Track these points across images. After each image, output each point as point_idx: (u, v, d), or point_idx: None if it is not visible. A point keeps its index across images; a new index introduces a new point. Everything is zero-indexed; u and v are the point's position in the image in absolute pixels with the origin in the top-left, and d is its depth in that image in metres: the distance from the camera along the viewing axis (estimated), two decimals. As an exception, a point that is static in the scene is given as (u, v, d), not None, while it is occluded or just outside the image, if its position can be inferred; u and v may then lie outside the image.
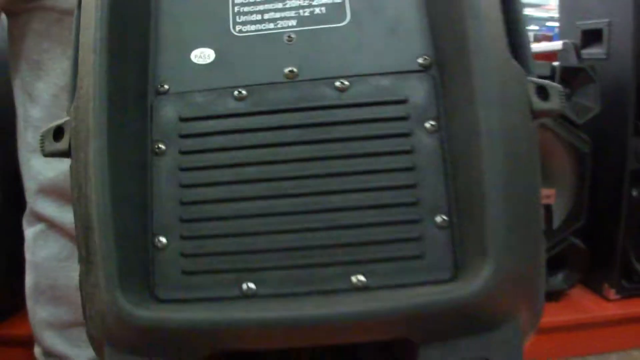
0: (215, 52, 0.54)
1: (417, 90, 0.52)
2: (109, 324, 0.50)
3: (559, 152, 1.97)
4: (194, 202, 0.52)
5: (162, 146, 0.52)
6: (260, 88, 0.53)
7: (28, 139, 1.30)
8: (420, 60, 0.53)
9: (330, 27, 0.55)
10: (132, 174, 0.52)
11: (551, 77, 1.87)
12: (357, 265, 0.50)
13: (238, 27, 0.55)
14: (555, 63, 1.93)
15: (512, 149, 0.51)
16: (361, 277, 0.50)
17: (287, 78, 0.53)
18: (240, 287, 0.50)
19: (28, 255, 1.38)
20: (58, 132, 0.61)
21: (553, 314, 2.05)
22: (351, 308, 0.47)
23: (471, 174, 0.50)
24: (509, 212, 0.49)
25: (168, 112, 0.53)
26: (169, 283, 0.51)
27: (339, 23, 0.55)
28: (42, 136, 0.62)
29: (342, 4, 0.55)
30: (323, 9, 0.56)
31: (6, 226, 1.71)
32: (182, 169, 0.52)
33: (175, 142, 0.52)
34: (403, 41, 0.54)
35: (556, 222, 1.97)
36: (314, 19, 0.55)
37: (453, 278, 0.50)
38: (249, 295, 0.50)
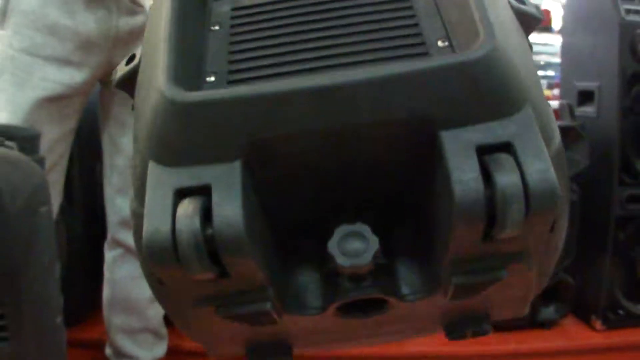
0: None
1: None
2: (157, 121, 0.53)
3: (551, 200, 2.20)
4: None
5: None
6: None
7: (113, 181, 1.65)
8: None
9: None
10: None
11: (544, 136, 2.14)
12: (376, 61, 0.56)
13: None
14: (549, 122, 2.18)
15: (500, 11, 0.58)
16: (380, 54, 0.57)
17: None
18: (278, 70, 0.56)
19: (107, 274, 1.73)
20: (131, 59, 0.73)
21: (544, 341, 2.26)
22: (374, 73, 0.50)
23: (460, 9, 0.56)
24: (497, 19, 0.54)
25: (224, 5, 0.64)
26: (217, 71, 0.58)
27: None
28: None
29: None
30: None
31: (86, 249, 2.05)
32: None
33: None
34: None
35: (548, 260, 2.22)
36: None
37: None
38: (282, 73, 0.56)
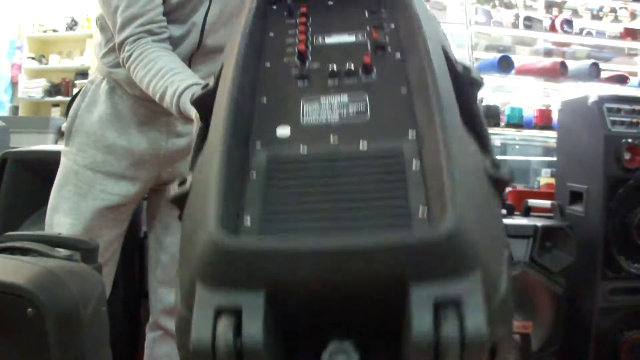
0: (291, 130, 0.90)
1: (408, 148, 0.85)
2: (205, 254, 0.68)
3: (539, 292, 2.43)
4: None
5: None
6: (316, 146, 0.87)
7: (158, 274, 1.91)
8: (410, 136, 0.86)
9: (358, 121, 0.89)
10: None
11: (534, 236, 2.39)
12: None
13: (304, 120, 0.90)
14: (540, 224, 2.42)
15: (470, 179, 0.75)
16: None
17: (334, 142, 0.87)
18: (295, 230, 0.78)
19: (147, 351, 1.97)
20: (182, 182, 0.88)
21: (533, 419, 2.47)
22: (366, 240, 0.67)
23: (437, 181, 0.75)
24: (465, 190, 0.70)
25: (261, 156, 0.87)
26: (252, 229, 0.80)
27: (364, 118, 0.89)
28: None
29: (365, 111, 0.90)
30: (353, 112, 0.90)
31: (126, 327, 2.29)
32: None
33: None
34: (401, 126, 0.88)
35: (536, 346, 2.44)
36: (349, 117, 0.90)
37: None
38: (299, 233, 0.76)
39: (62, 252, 1.42)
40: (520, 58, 4.62)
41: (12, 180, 2.34)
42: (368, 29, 1.03)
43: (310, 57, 1.00)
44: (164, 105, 1.52)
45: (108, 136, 1.73)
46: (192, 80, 1.48)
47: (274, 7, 1.12)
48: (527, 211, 2.67)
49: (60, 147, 1.90)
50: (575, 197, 2.64)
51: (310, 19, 1.07)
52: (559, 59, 4.20)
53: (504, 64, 4.01)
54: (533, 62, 4.44)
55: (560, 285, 2.43)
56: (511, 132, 4.24)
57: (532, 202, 2.69)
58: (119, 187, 1.76)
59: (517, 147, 5.14)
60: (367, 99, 0.93)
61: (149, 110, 1.72)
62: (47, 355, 1.18)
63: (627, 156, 2.46)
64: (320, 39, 1.04)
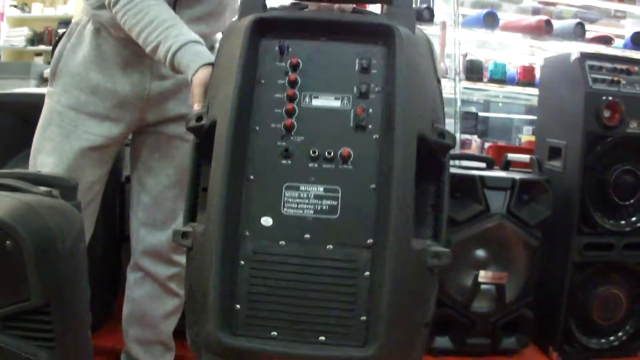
0: (273, 220, 1.13)
1: (363, 257, 1.11)
2: (208, 341, 1.08)
3: (515, 245, 2.48)
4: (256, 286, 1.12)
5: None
6: (292, 243, 1.12)
7: (139, 215, 1.91)
8: (368, 241, 1.10)
9: (329, 217, 1.12)
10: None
11: (512, 188, 2.43)
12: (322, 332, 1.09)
13: (285, 210, 1.13)
14: (518, 177, 2.46)
15: (402, 285, 1.07)
16: (322, 338, 1.09)
17: (306, 240, 1.12)
18: (270, 333, 1.09)
19: (128, 292, 2.00)
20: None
21: (506, 369, 2.53)
22: (315, 352, 1.06)
23: (377, 299, 1.06)
24: (397, 312, 1.06)
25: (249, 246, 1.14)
26: (239, 328, 1.10)
27: (334, 215, 1.12)
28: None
29: (337, 206, 1.12)
30: (326, 206, 1.12)
31: (104, 268, 2.31)
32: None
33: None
34: (362, 231, 1.11)
35: (511, 297, 2.49)
36: (322, 211, 1.13)
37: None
38: (271, 338, 1.09)
39: (41, 189, 1.43)
40: (507, 15, 4.62)
41: (-7, 122, 2.34)
42: (355, 92, 1.14)
43: (296, 125, 1.14)
44: (155, 57, 1.54)
45: (92, 77, 1.73)
46: (187, 37, 1.49)
47: (266, 39, 1.19)
48: (507, 165, 2.71)
49: (41, 90, 1.89)
50: (554, 152, 2.68)
51: (300, 72, 1.16)
52: (545, 17, 4.19)
53: (490, 20, 4.00)
54: (519, 19, 4.44)
55: (536, 238, 2.47)
56: (494, 88, 4.25)
57: (512, 156, 2.72)
58: (102, 128, 1.76)
59: (500, 104, 5.17)
60: (340, 193, 1.12)
61: (133, 53, 1.71)
62: (26, 288, 1.19)
63: (606, 113, 2.48)
64: (307, 99, 1.15)
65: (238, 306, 1.10)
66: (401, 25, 1.14)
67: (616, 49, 4.43)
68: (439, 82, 1.23)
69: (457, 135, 3.60)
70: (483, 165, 2.65)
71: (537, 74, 3.55)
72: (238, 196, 1.12)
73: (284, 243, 1.12)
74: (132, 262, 1.97)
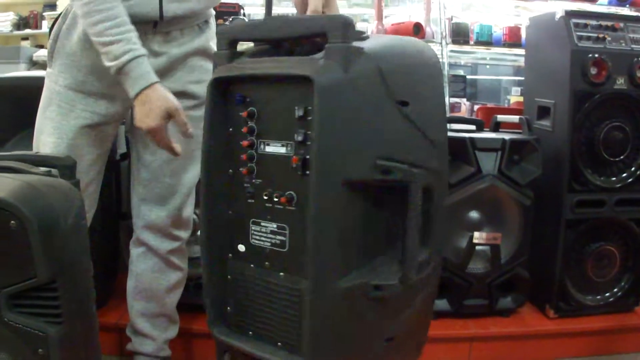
0: (245, 248, 1.40)
1: (304, 285, 1.29)
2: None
3: (507, 205, 2.51)
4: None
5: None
6: (257, 267, 1.38)
7: (140, 191, 1.94)
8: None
9: (281, 250, 1.32)
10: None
11: (502, 149, 2.45)
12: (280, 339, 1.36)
13: (252, 240, 1.36)
14: (508, 137, 2.48)
15: (322, 319, 1.26)
16: (279, 344, 1.36)
17: (266, 266, 1.36)
18: (248, 332, 1.41)
19: (131, 267, 2.03)
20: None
21: (503, 327, 2.57)
22: (272, 356, 1.35)
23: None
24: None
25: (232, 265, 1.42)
26: (230, 324, 1.43)
27: (284, 249, 1.31)
28: None
29: (285, 241, 1.31)
30: (279, 241, 1.30)
31: (105, 245, 2.33)
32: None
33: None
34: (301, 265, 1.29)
35: (505, 257, 2.53)
36: (276, 244, 1.32)
37: None
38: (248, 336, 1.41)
39: (41, 169, 1.45)
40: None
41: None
42: (296, 139, 1.25)
43: (255, 170, 1.34)
44: (101, 50, 1.63)
45: (87, 57, 1.75)
46: (144, 51, 1.64)
47: (230, 90, 1.36)
48: (496, 127, 2.73)
49: (34, 73, 1.91)
50: (543, 112, 2.70)
51: (257, 119, 1.32)
52: (529, -24, 4.19)
53: (474, -17, 3.99)
54: (505, -21, 4.44)
55: (528, 197, 2.50)
56: (481, 50, 4.25)
57: (501, 117, 2.73)
58: (99, 105, 1.79)
59: (487, 66, 5.18)
60: (288, 231, 1.30)
61: None
62: (32, 266, 1.22)
63: (593, 71, 2.49)
64: (262, 146, 1.32)
65: (229, 308, 1.44)
66: (327, 69, 1.18)
67: (601, 6, 4.42)
68: (404, 104, 1.28)
69: (446, 99, 3.61)
70: (473, 127, 2.67)
71: (523, 34, 3.55)
72: (222, 227, 1.41)
73: (252, 266, 1.38)
74: (134, 237, 2.01)
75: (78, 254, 1.35)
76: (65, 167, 1.51)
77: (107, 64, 1.62)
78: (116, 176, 2.55)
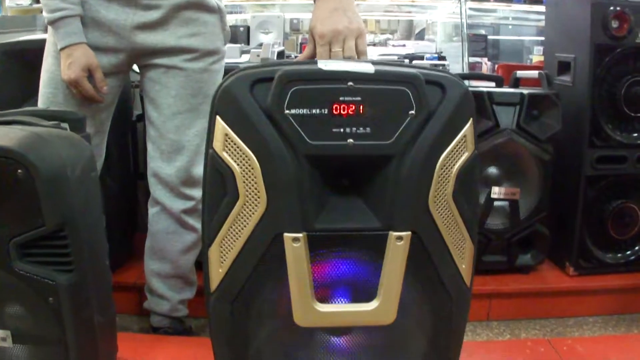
0: None
1: None
2: None
3: (526, 160, 2.48)
4: None
5: None
6: None
7: (149, 149, 1.94)
8: None
9: None
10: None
11: (520, 104, 2.42)
12: None
13: None
14: (526, 92, 2.45)
15: None
16: None
17: None
18: None
19: (149, 227, 2.03)
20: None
21: (522, 284, 2.56)
22: None
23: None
24: None
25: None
26: None
27: None
28: None
29: None
30: None
31: (122, 205, 2.35)
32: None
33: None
34: None
35: (524, 214, 2.51)
36: None
37: None
38: None
39: (50, 123, 1.45)
40: None
41: (2, 71, 2.36)
42: None
43: None
44: (42, 1, 1.73)
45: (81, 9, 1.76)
46: (78, 11, 1.73)
47: None
48: (516, 83, 2.69)
49: (45, 35, 1.92)
50: (563, 67, 2.65)
51: None
52: None
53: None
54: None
55: (547, 152, 2.47)
56: (502, 8, 4.19)
57: (521, 73, 2.70)
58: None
59: (510, 27, 5.11)
60: None
61: None
62: (40, 214, 1.22)
63: (614, 24, 2.44)
64: None
65: None
66: None
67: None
68: None
69: (465, 58, 3.57)
70: (492, 84, 2.63)
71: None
72: None
73: None
74: (151, 197, 2.01)
75: (87, 204, 1.34)
76: (74, 120, 1.50)
77: (44, 14, 1.73)
78: (133, 137, 2.55)
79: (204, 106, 1.86)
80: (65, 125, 1.48)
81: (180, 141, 1.89)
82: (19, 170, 1.20)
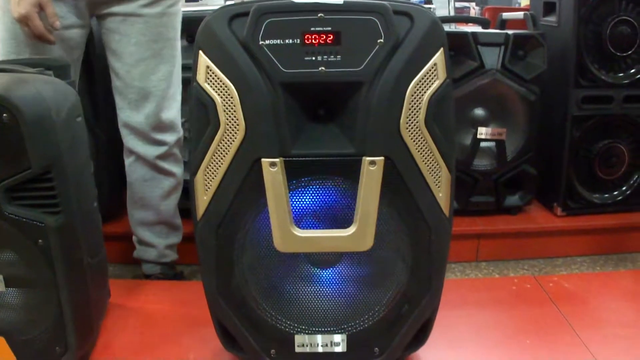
0: None
1: None
2: None
3: (512, 101, 2.49)
4: None
5: None
6: None
7: (117, 100, 1.93)
8: None
9: None
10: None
11: (505, 44, 2.42)
12: None
13: None
14: (511, 32, 2.45)
15: None
16: None
17: None
18: None
19: (127, 177, 2.05)
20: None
21: (511, 224, 2.59)
22: None
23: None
24: None
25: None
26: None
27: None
28: None
29: None
30: None
31: (111, 156, 2.36)
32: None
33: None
34: None
35: (511, 154, 2.53)
36: None
37: None
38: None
39: (34, 70, 1.46)
40: None
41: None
42: None
43: None
44: None
45: None
46: None
47: None
48: (502, 25, 2.69)
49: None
50: (549, 7, 2.64)
51: None
52: None
53: None
54: None
55: (533, 92, 2.47)
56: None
57: (506, 15, 2.70)
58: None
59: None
60: None
61: None
62: (26, 158, 1.25)
63: (599, -37, 2.42)
64: None
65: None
66: None
67: None
68: None
69: (452, 3, 3.56)
70: (479, 28, 2.63)
71: None
72: None
73: None
74: (124, 147, 2.02)
75: (73, 147, 1.36)
76: (59, 67, 1.51)
77: None
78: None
79: (166, 50, 1.85)
80: (50, 72, 1.50)
81: (146, 88, 1.88)
82: (4, 115, 1.22)
